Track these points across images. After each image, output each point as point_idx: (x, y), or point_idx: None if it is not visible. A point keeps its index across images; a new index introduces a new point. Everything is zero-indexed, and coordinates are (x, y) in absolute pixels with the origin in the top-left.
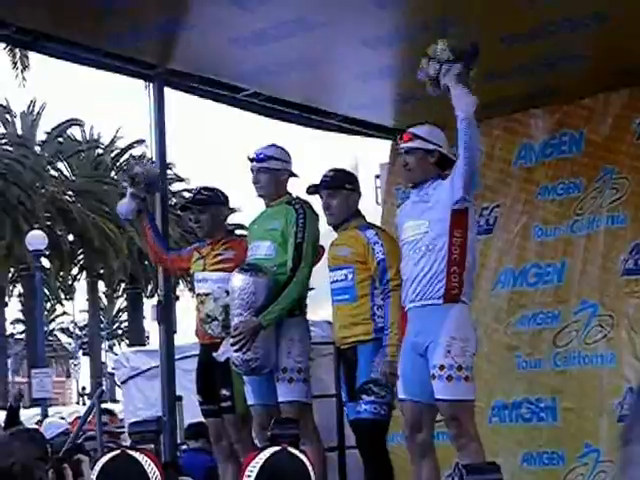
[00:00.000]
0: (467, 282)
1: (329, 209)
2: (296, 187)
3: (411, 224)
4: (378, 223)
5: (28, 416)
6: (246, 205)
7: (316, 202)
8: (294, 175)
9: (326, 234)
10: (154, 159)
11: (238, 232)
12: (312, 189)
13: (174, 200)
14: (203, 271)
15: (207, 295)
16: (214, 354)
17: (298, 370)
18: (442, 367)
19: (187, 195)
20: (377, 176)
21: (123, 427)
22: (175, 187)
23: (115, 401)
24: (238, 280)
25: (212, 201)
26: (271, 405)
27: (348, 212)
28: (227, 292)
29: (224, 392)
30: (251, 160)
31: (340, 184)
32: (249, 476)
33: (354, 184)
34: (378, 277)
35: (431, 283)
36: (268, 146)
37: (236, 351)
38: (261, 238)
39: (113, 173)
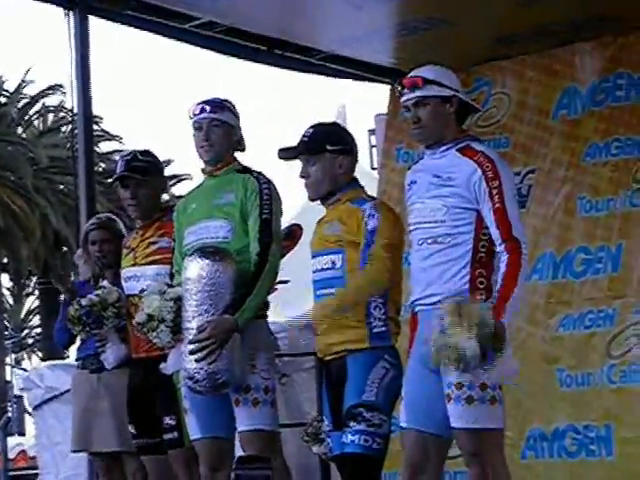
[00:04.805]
0: (495, 282)
1: (307, 179)
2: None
3: (422, 206)
4: (372, 194)
5: None
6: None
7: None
8: (241, 144)
9: (296, 217)
10: (76, 110)
11: None
12: (286, 153)
13: (102, 165)
14: (134, 266)
15: (141, 294)
16: (161, 366)
17: (265, 389)
18: (460, 385)
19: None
20: (371, 131)
21: (35, 468)
22: (104, 147)
23: (23, 434)
24: (197, 268)
25: (153, 170)
26: (224, 438)
27: (334, 182)
28: (168, 285)
29: (168, 420)
30: (199, 112)
31: (320, 145)
32: None
33: (343, 143)
34: (360, 254)
35: (449, 286)
36: (215, 98)
37: (198, 360)
38: (209, 216)
39: (20, 130)
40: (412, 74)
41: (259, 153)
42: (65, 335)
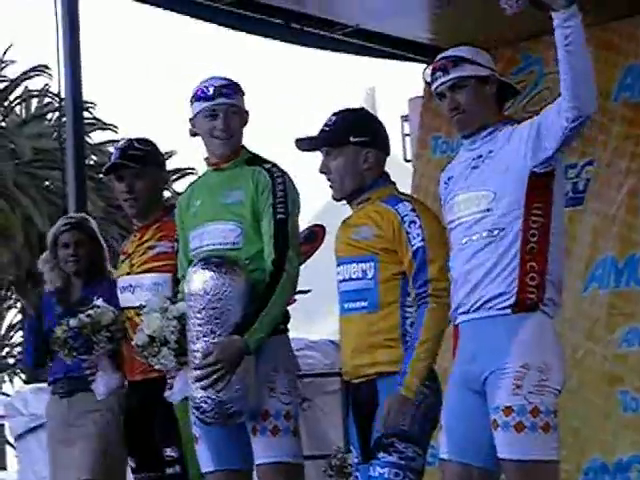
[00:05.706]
0: (550, 283)
1: (328, 175)
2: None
3: (464, 197)
4: (406, 189)
5: None
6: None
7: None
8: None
9: (319, 216)
10: (63, 94)
11: None
12: (304, 144)
13: (94, 158)
14: (129, 274)
15: (139, 309)
16: (166, 394)
17: (285, 415)
18: (509, 410)
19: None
20: (404, 118)
21: None
22: (96, 138)
23: (4, 468)
24: (200, 281)
25: (153, 160)
26: (240, 471)
27: (359, 178)
28: (170, 300)
29: (169, 453)
30: (213, 95)
31: (343, 136)
32: None
33: (370, 134)
34: (412, 274)
35: (495, 286)
36: (224, 77)
37: (205, 387)
38: (215, 218)
39: None
40: (439, 57)
41: (274, 144)
42: (30, 355)
